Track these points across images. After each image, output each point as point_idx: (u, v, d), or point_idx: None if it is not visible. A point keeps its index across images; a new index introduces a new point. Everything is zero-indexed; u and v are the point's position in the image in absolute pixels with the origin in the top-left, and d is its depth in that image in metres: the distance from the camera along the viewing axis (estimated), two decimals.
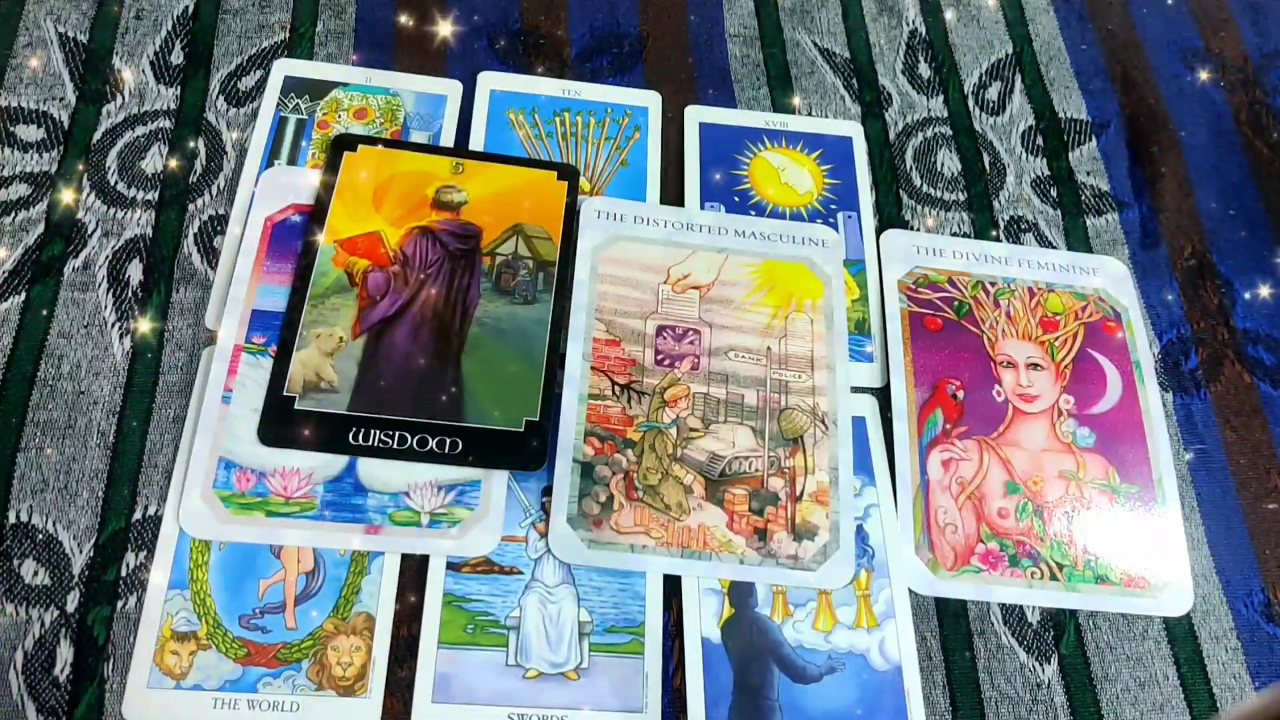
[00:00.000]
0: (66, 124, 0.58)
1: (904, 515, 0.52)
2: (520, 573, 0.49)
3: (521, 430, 0.51)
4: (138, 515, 0.48)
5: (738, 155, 0.62)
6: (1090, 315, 0.59)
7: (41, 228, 0.55)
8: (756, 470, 0.52)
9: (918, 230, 0.61)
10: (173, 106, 0.59)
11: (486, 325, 0.53)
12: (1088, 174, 0.65)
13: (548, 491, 0.51)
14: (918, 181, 0.63)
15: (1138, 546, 0.53)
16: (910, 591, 0.51)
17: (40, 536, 0.47)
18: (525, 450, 0.51)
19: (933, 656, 0.50)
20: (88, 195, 0.56)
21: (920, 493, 0.53)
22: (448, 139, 0.60)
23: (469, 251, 0.55)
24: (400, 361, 0.52)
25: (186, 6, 0.63)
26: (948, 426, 0.54)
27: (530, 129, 0.61)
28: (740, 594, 0.50)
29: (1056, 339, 0.58)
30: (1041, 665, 0.50)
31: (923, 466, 0.53)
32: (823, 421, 0.53)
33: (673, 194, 0.61)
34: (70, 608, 0.46)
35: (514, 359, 0.53)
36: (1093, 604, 0.51)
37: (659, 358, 0.54)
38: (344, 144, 0.58)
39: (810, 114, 0.65)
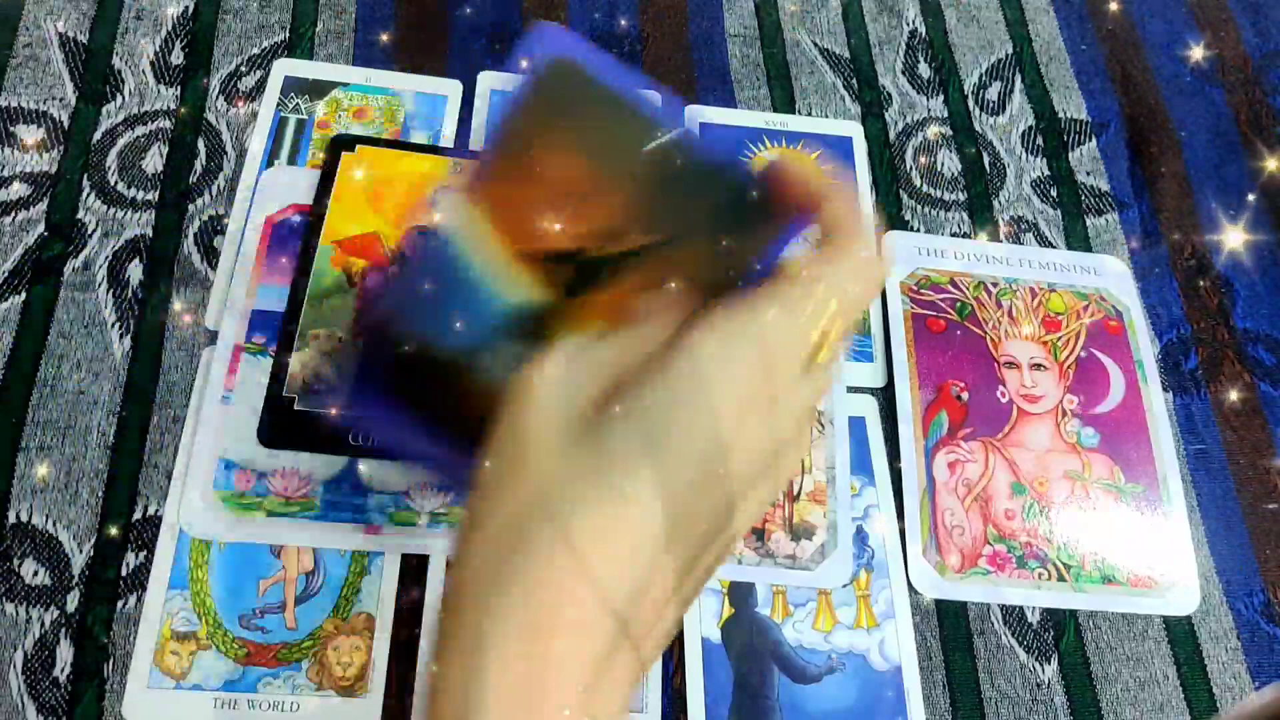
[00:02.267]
0: (66, 124, 0.58)
1: (910, 518, 0.52)
2: None
3: None
4: (138, 515, 0.48)
5: (738, 155, 0.62)
6: (1092, 315, 0.59)
7: (41, 228, 0.55)
8: None
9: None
10: (173, 106, 0.59)
11: None
12: (1088, 174, 0.65)
13: None
14: (918, 181, 0.63)
15: (1144, 546, 0.53)
16: (910, 591, 0.51)
17: (40, 536, 0.47)
18: None
19: (933, 656, 0.50)
20: (88, 195, 0.56)
21: (926, 495, 0.53)
22: (448, 139, 0.60)
23: None
24: None
25: (186, 6, 0.63)
26: (953, 428, 0.54)
27: None
28: (740, 594, 0.50)
29: (1059, 339, 0.58)
30: (1041, 665, 0.50)
31: (929, 469, 0.53)
32: (819, 421, 0.53)
33: None
34: (70, 608, 0.46)
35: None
36: (1100, 604, 0.51)
37: None
38: (342, 144, 0.57)
39: (810, 113, 0.65)
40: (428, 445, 0.37)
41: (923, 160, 0.64)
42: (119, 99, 0.59)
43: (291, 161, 0.58)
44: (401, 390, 0.37)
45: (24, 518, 0.48)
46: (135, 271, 0.54)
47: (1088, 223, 0.63)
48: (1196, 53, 0.71)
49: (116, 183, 0.56)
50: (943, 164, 0.64)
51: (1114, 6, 0.72)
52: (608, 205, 0.37)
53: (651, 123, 0.38)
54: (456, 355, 0.36)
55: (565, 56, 0.37)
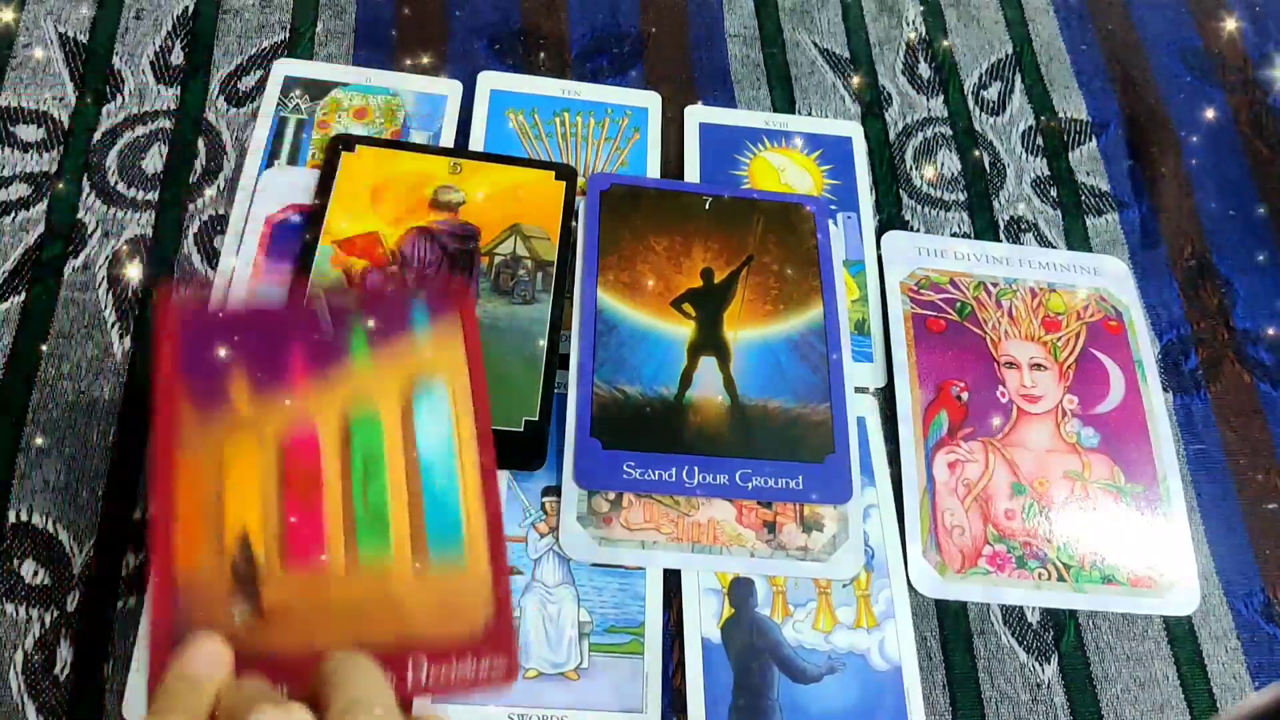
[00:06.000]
0: (66, 124, 0.58)
1: (910, 518, 0.52)
2: (520, 573, 0.49)
3: (521, 430, 0.51)
4: (138, 515, 0.48)
5: (738, 155, 0.62)
6: (1092, 315, 0.59)
7: (41, 228, 0.55)
8: None
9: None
10: (173, 106, 0.59)
11: (485, 325, 0.53)
12: (1088, 174, 0.65)
13: (549, 491, 0.51)
14: (917, 181, 0.63)
15: (1144, 546, 0.53)
16: (910, 591, 0.51)
17: (40, 536, 0.47)
18: (524, 450, 0.50)
19: (933, 656, 0.50)
20: (88, 195, 0.56)
21: (926, 495, 0.53)
22: (448, 139, 0.60)
23: (467, 252, 0.55)
24: None
25: (186, 6, 0.63)
26: (953, 428, 0.54)
27: (530, 129, 0.61)
28: (740, 594, 0.50)
29: (1059, 339, 0.58)
30: (1041, 665, 0.50)
31: (929, 469, 0.53)
32: None
33: None
34: (70, 608, 0.46)
35: (513, 359, 0.52)
36: (1100, 604, 0.51)
37: None
38: (342, 144, 0.57)
39: (810, 113, 0.65)
40: None
41: (929, 173, 0.64)
42: (119, 99, 0.59)
43: (291, 161, 0.58)
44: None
45: (24, 518, 0.48)
46: (135, 271, 0.54)
47: (1088, 223, 0.63)
48: (1196, 52, 0.71)
49: (116, 183, 0.56)
50: (943, 164, 0.64)
51: (1114, 6, 0.72)
52: (698, 251, 0.57)
53: (694, 192, 0.59)
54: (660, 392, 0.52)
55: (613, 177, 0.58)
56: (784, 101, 0.65)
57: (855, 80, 0.62)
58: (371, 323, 0.43)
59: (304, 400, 0.42)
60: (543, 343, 0.53)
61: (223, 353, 0.42)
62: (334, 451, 0.41)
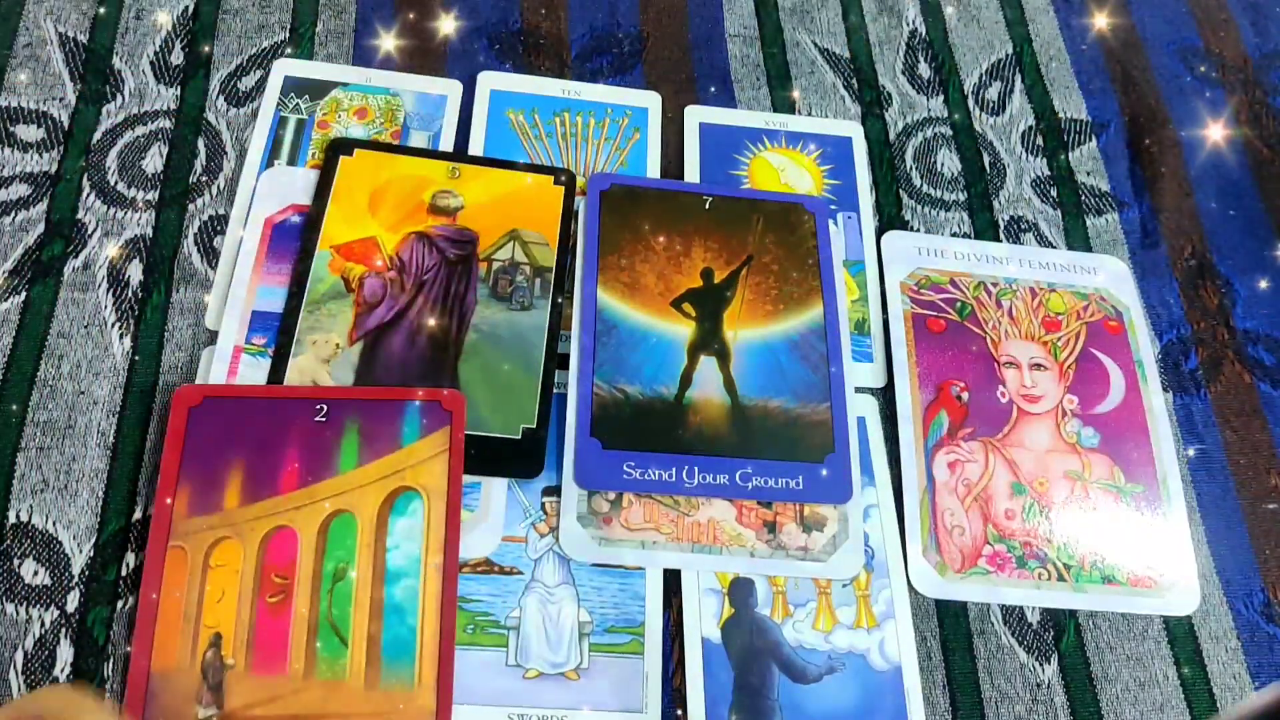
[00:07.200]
0: (66, 124, 0.58)
1: (910, 518, 0.52)
2: (520, 573, 0.49)
3: (518, 438, 0.51)
4: (138, 515, 0.48)
5: (738, 155, 0.62)
6: (1092, 315, 0.59)
7: (41, 228, 0.55)
8: None
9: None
10: (173, 106, 0.59)
11: (483, 332, 0.53)
12: (1088, 174, 0.65)
13: (549, 491, 0.51)
14: (917, 181, 0.63)
15: (1144, 546, 0.53)
16: (910, 591, 0.51)
17: (40, 536, 0.47)
18: (522, 458, 0.50)
19: (933, 656, 0.50)
20: (88, 195, 0.56)
21: (926, 495, 0.53)
22: (448, 139, 0.60)
23: (466, 257, 0.55)
24: (397, 369, 0.51)
25: (186, 6, 0.63)
26: (953, 428, 0.54)
27: (530, 129, 0.61)
28: (740, 594, 0.50)
29: (1059, 339, 0.58)
30: (1041, 665, 0.50)
31: (929, 469, 0.53)
32: None
33: None
34: (70, 608, 0.46)
35: (511, 366, 0.52)
36: (1100, 604, 0.51)
37: None
38: (339, 148, 0.57)
39: (810, 113, 0.65)
40: None
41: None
42: (119, 99, 0.59)
43: (291, 162, 0.58)
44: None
45: (24, 518, 0.48)
46: (135, 271, 0.54)
47: (1088, 223, 0.63)
48: (1196, 52, 0.71)
49: (116, 183, 0.56)
50: (943, 164, 0.64)
51: (1114, 6, 0.72)
52: (698, 251, 0.56)
53: (694, 192, 0.58)
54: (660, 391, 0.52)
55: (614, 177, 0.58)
56: (784, 101, 0.65)
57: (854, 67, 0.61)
58: (365, 429, 0.47)
59: (290, 503, 0.46)
60: (541, 350, 0.53)
61: (222, 457, 0.46)
62: (310, 554, 0.45)
